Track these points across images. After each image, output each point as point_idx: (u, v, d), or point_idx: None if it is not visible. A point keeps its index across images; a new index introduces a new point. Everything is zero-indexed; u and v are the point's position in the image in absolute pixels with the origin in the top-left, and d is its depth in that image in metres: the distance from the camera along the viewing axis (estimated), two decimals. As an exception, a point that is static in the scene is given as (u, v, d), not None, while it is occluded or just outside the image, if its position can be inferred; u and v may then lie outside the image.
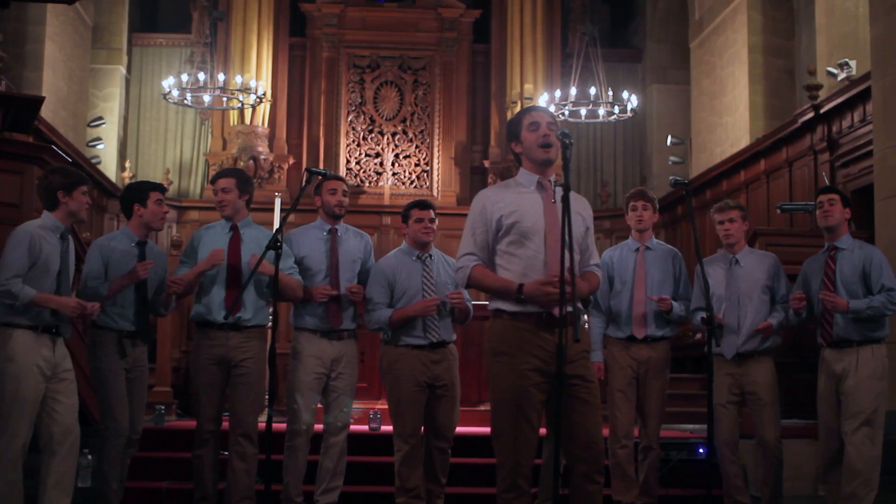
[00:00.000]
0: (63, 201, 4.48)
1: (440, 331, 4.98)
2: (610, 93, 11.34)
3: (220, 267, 4.90)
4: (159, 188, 5.06)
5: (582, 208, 3.70)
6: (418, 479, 4.92)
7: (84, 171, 10.62)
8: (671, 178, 5.33)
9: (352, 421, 7.18)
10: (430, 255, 5.09)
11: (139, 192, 4.99)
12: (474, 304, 5.20)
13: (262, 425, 4.66)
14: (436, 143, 13.41)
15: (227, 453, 4.97)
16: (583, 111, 11.42)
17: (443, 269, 5.10)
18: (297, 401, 4.99)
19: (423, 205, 5.13)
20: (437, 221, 5.13)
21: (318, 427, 5.15)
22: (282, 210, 9.84)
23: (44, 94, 9.32)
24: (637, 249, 5.30)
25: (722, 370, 5.14)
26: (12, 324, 4.33)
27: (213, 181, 5.15)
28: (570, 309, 3.38)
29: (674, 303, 5.18)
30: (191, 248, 5.05)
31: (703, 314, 5.08)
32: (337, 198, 5.14)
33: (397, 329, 4.96)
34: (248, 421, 4.90)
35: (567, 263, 3.33)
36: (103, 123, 12.51)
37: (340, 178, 5.32)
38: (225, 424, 5.03)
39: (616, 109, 11.29)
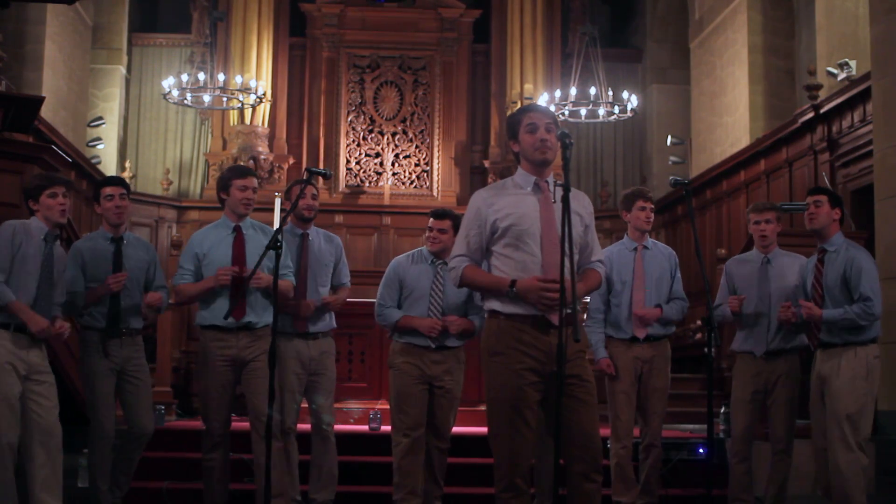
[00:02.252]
0: (34, 208, 4.56)
1: (442, 336, 4.99)
2: (610, 93, 11.34)
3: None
4: (111, 182, 5.06)
5: (580, 206, 3.70)
6: (418, 476, 4.91)
7: (83, 171, 10.65)
8: (671, 178, 5.35)
9: (353, 420, 7.23)
10: (445, 263, 5.08)
11: (95, 189, 5.07)
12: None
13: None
14: (436, 143, 13.41)
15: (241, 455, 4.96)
16: (583, 111, 11.43)
17: None
18: (282, 401, 4.95)
19: (437, 214, 5.16)
20: (451, 232, 5.08)
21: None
22: (281, 210, 9.84)
23: (44, 94, 9.32)
24: (635, 249, 5.33)
25: (750, 368, 5.20)
26: None
27: (242, 176, 4.95)
28: (568, 310, 3.38)
29: (663, 306, 5.23)
30: (189, 253, 4.89)
31: (720, 312, 5.18)
32: (306, 202, 5.09)
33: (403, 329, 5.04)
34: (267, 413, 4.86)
35: (567, 265, 3.34)
36: (103, 123, 12.51)
37: (313, 181, 5.22)
38: (241, 425, 5.02)
39: (616, 109, 11.30)
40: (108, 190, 4.96)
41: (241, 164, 12.66)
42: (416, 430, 4.93)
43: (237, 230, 4.90)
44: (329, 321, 5.19)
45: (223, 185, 4.90)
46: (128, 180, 12.71)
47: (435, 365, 4.98)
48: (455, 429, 5.21)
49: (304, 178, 4.91)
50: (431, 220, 5.14)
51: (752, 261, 5.33)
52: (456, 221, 5.09)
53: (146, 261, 5.07)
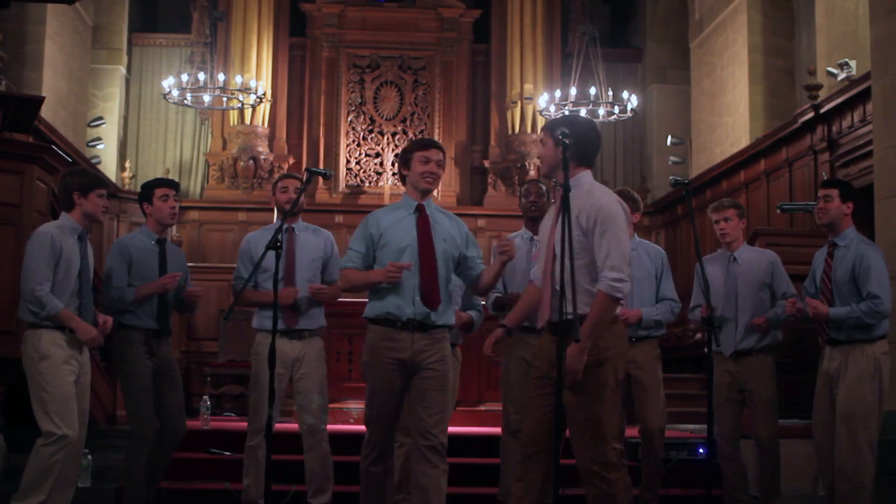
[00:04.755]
0: (78, 203, 4.54)
1: None
2: (610, 93, 11.34)
3: (413, 254, 4.14)
4: (166, 184, 5.07)
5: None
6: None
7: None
8: (671, 178, 5.34)
9: (353, 420, 7.22)
10: None
11: (145, 190, 5.07)
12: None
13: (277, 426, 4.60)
14: (436, 143, 13.39)
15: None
16: (583, 111, 11.41)
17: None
18: (256, 400, 4.92)
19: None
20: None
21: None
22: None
23: (44, 94, 9.32)
24: None
25: (721, 368, 5.17)
26: (40, 325, 4.39)
27: (425, 147, 4.28)
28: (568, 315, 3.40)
29: (643, 310, 5.13)
30: (362, 233, 4.25)
31: (695, 315, 5.14)
32: (287, 195, 5.05)
33: None
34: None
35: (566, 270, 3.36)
36: (103, 123, 12.51)
37: (294, 176, 5.20)
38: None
39: (616, 109, 11.30)
40: (164, 190, 4.99)
41: (242, 164, 12.69)
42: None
43: (420, 209, 4.24)
44: (317, 319, 5.06)
45: (404, 158, 4.28)
46: (127, 180, 12.83)
47: None
48: (456, 429, 5.20)
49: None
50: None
51: (720, 260, 5.30)
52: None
53: (180, 265, 5.12)
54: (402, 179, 4.35)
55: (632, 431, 5.53)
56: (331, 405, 7.24)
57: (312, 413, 4.94)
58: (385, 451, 4.23)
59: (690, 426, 7.21)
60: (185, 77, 11.28)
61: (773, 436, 5.09)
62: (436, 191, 14.14)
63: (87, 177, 4.62)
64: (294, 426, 5.20)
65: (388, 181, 13.21)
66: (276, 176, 12.68)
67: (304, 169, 12.70)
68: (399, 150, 12.98)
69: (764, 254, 5.26)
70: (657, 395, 5.21)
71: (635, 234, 5.35)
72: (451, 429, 4.26)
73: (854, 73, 8.50)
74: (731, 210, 5.24)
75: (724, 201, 5.36)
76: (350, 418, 7.25)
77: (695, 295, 5.28)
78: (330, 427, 5.11)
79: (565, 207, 3.37)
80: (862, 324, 4.75)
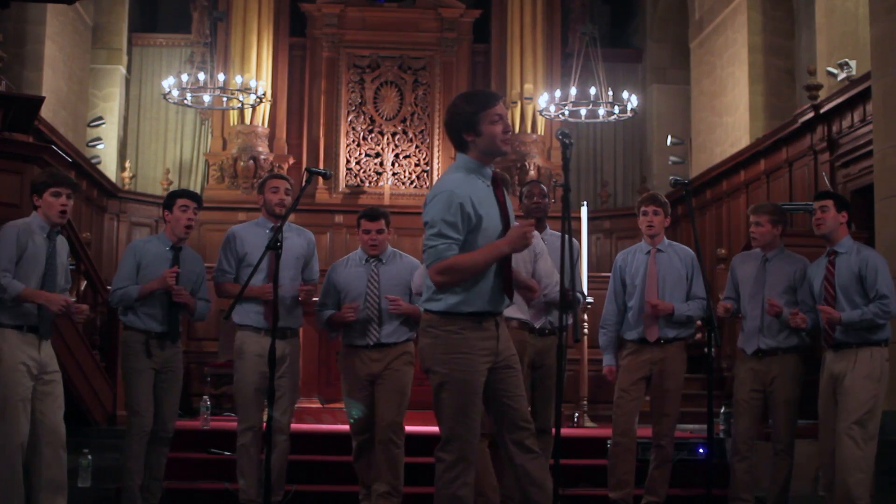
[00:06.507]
0: (37, 203, 4.58)
1: (380, 333, 5.02)
2: (610, 93, 11.33)
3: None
4: (188, 196, 5.17)
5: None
6: (372, 475, 4.97)
7: (83, 171, 10.65)
8: (671, 178, 5.36)
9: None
10: (381, 260, 5.11)
11: (169, 198, 5.19)
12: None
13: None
14: (436, 143, 13.41)
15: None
16: (583, 111, 11.42)
17: (395, 270, 5.11)
18: (244, 399, 5.00)
19: (372, 216, 5.13)
20: (386, 231, 5.12)
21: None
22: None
23: (44, 94, 9.32)
24: (648, 252, 5.33)
25: (745, 365, 5.24)
26: None
27: (493, 102, 3.55)
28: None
29: (676, 304, 5.20)
30: (459, 216, 3.45)
31: (727, 306, 5.24)
32: (279, 196, 5.13)
33: (346, 331, 5.10)
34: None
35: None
36: (103, 123, 12.51)
37: (284, 177, 5.30)
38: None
39: (616, 109, 11.29)
40: (184, 201, 5.10)
41: (242, 164, 12.69)
42: (363, 433, 5.02)
43: (496, 181, 3.64)
44: (299, 318, 5.18)
45: (470, 121, 3.52)
46: (127, 180, 12.83)
47: (374, 363, 5.02)
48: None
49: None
50: (366, 222, 5.09)
51: (754, 259, 5.36)
52: (388, 219, 5.09)
53: (197, 273, 5.20)
54: (462, 146, 3.56)
55: (644, 431, 5.46)
56: (330, 405, 7.28)
57: (287, 410, 5.04)
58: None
59: (690, 426, 7.21)
60: (185, 77, 11.29)
61: (790, 439, 5.12)
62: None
63: (45, 175, 4.64)
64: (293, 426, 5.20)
65: (388, 181, 13.21)
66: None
67: (304, 169, 12.71)
68: (397, 152, 13.21)
69: (796, 259, 5.30)
70: (676, 400, 5.25)
71: (664, 238, 5.38)
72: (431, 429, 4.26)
73: (854, 73, 8.50)
74: (764, 216, 5.30)
75: (761, 206, 5.42)
76: (350, 418, 7.24)
77: (726, 289, 5.44)
78: (329, 427, 5.15)
79: (566, 207, 3.38)
80: (873, 325, 4.83)
